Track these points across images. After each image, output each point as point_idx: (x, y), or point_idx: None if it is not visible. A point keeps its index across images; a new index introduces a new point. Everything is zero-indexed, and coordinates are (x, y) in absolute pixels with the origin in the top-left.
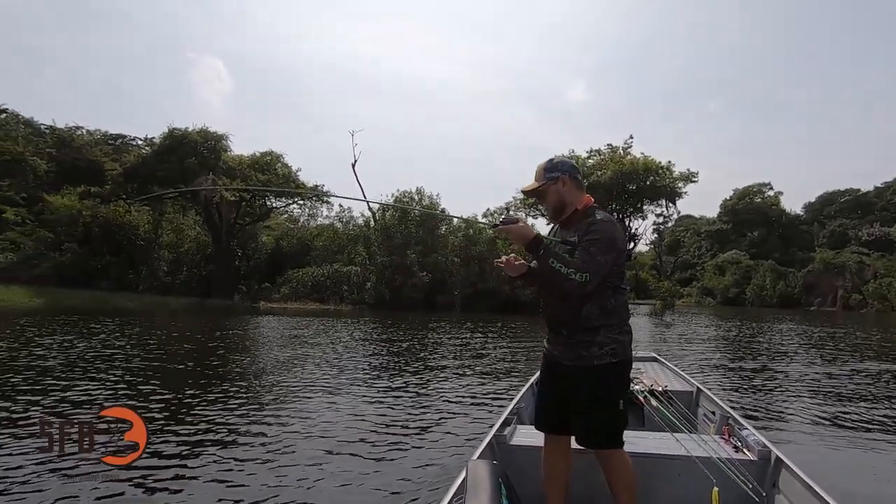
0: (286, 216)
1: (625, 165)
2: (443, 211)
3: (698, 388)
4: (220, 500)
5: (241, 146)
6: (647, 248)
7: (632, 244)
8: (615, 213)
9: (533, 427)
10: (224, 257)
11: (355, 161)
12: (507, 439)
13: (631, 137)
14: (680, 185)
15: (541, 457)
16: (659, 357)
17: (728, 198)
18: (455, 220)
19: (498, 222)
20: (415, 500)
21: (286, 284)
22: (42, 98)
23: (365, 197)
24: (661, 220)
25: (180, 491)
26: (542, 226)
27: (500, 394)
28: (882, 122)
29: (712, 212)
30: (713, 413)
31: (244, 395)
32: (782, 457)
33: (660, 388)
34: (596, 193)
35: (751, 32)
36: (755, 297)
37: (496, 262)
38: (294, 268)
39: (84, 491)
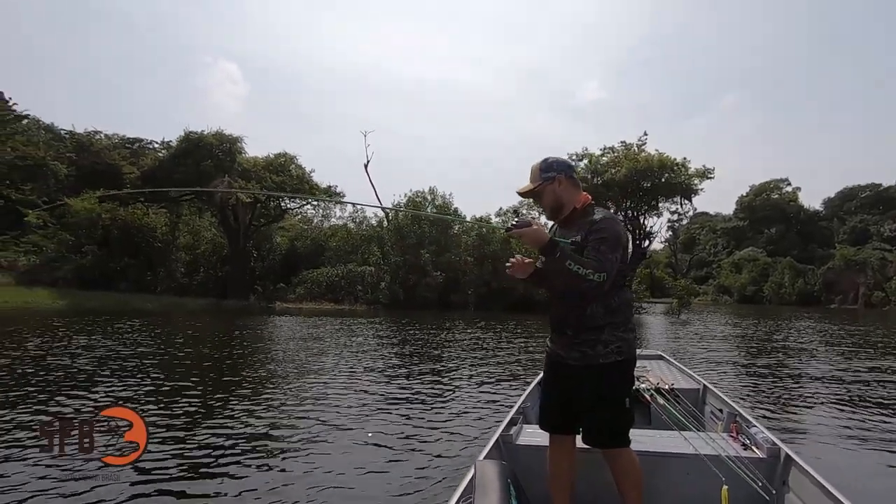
0: (299, 217)
1: (639, 163)
2: (455, 211)
3: (705, 385)
4: (230, 493)
5: (256, 148)
6: (662, 245)
7: (646, 242)
8: (630, 211)
9: (539, 427)
10: (240, 258)
11: (368, 162)
12: (514, 439)
13: (645, 134)
14: (696, 181)
15: (546, 456)
16: (665, 355)
17: (744, 194)
18: (468, 219)
19: (510, 225)
20: (422, 499)
21: (301, 285)
22: (61, 104)
23: (377, 197)
24: (675, 217)
25: (191, 487)
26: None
27: (511, 392)
28: None
29: (728, 209)
30: (720, 411)
31: (260, 394)
32: (792, 454)
33: (666, 387)
34: (610, 191)
35: (767, 26)
36: (773, 294)
37: (506, 268)
38: (308, 268)
39: (111, 492)
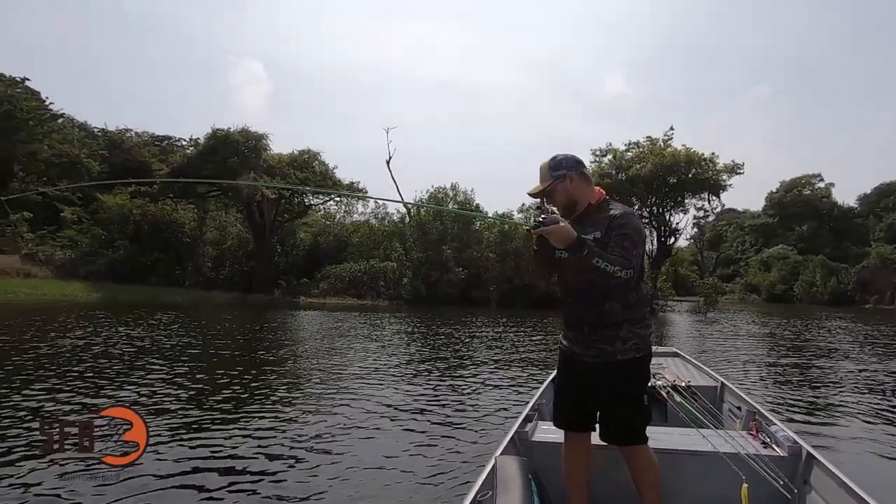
0: (322, 213)
1: (665, 158)
2: (477, 207)
3: (723, 383)
4: (256, 480)
5: (280, 145)
6: (688, 243)
7: (672, 239)
8: (655, 208)
9: (553, 424)
10: (265, 254)
11: (390, 158)
12: (529, 435)
13: (671, 129)
14: (724, 177)
15: (562, 453)
16: (681, 352)
17: (774, 190)
18: (490, 216)
19: (537, 222)
20: (439, 492)
21: (324, 280)
22: (95, 103)
23: (399, 193)
24: (701, 213)
25: (215, 470)
26: None
27: (528, 388)
28: None
29: (756, 205)
30: (739, 408)
31: (289, 386)
32: (814, 452)
33: (683, 384)
34: (635, 187)
35: (802, 14)
36: (804, 294)
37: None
38: (331, 264)
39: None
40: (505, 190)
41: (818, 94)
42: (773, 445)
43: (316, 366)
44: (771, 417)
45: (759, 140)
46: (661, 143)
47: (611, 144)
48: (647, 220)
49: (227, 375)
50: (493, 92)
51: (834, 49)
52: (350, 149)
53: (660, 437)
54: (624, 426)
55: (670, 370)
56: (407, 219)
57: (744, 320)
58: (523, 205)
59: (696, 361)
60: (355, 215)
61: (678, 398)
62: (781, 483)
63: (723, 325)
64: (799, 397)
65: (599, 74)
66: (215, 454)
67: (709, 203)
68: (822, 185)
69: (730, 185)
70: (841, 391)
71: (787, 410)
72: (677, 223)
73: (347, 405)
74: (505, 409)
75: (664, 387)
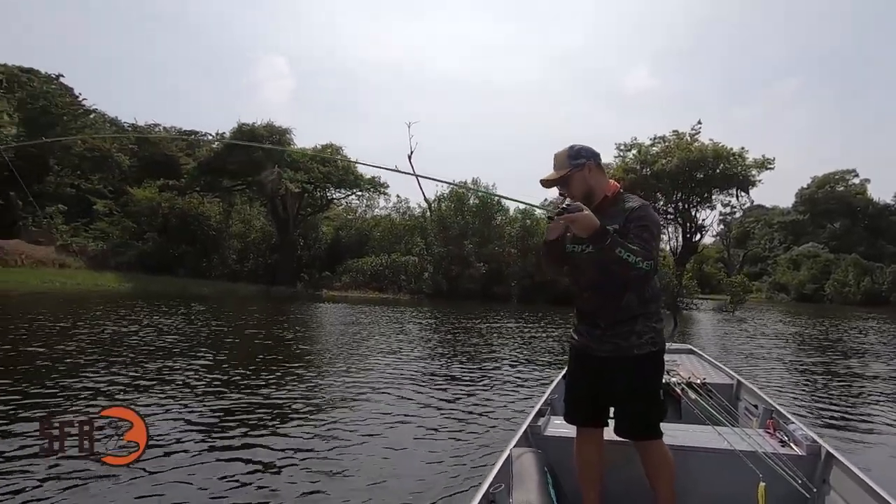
0: (343, 207)
1: (692, 153)
2: (498, 202)
3: (739, 380)
4: (273, 463)
5: (303, 139)
6: (713, 240)
7: (697, 236)
8: (680, 204)
9: (564, 420)
10: (288, 247)
11: (412, 153)
12: (542, 430)
13: (699, 123)
14: (753, 172)
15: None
16: (695, 349)
17: (805, 186)
18: (511, 210)
19: (562, 208)
20: (451, 483)
21: (346, 273)
22: (125, 99)
23: (421, 188)
24: (727, 210)
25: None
26: None
27: (545, 383)
28: None
29: (784, 201)
30: (756, 406)
31: (310, 375)
32: (833, 452)
33: (698, 381)
34: (660, 182)
35: (839, 3)
36: (836, 293)
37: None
38: (353, 257)
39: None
40: (526, 186)
41: (853, 87)
42: (792, 444)
43: (338, 356)
44: (789, 416)
45: (790, 134)
46: (688, 138)
47: (636, 139)
48: (672, 217)
49: (260, 362)
50: (515, 87)
51: (869, 40)
52: (371, 143)
53: (674, 433)
54: (640, 421)
55: (685, 367)
56: (428, 213)
57: (772, 319)
58: (545, 200)
59: (710, 358)
60: (377, 209)
61: (693, 395)
62: (800, 482)
63: (751, 324)
64: (825, 397)
65: (623, 68)
66: (239, 442)
67: (737, 199)
68: (856, 181)
69: (759, 181)
70: (870, 393)
71: (814, 410)
72: (703, 219)
73: (364, 395)
74: (522, 402)
75: (678, 384)
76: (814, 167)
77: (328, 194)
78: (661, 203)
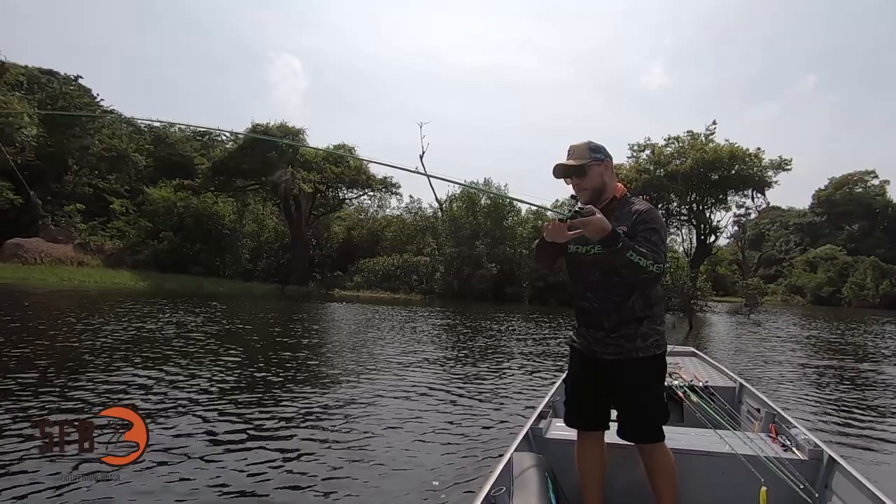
0: (355, 207)
1: (707, 153)
2: (510, 202)
3: (741, 384)
4: (275, 459)
5: (316, 139)
6: (727, 241)
7: (712, 237)
8: (695, 205)
9: (565, 423)
10: (300, 246)
11: (423, 152)
12: (543, 432)
13: (714, 123)
14: (770, 173)
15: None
16: (698, 351)
17: (822, 187)
18: (523, 211)
19: (574, 211)
20: (451, 484)
21: (358, 273)
22: (141, 99)
23: (432, 188)
24: (742, 211)
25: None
26: None
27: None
28: None
29: (800, 203)
30: (758, 410)
31: (319, 374)
32: (835, 457)
33: (700, 384)
34: (674, 183)
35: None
36: (853, 296)
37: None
38: (365, 257)
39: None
40: (538, 186)
41: (871, 85)
42: (794, 448)
43: (350, 354)
44: (791, 420)
45: (806, 134)
46: (703, 138)
47: (649, 139)
48: (685, 218)
49: (277, 358)
50: (528, 87)
51: (889, 38)
52: (383, 143)
53: (676, 437)
54: (642, 424)
55: (687, 370)
56: (440, 213)
57: (787, 322)
58: (556, 201)
59: (713, 361)
60: (388, 210)
61: (695, 398)
62: (801, 487)
63: (766, 328)
64: (835, 402)
65: (638, 65)
66: (254, 436)
67: (752, 200)
68: (876, 182)
69: (776, 182)
70: (882, 399)
71: (822, 415)
72: (718, 221)
73: (369, 395)
74: (528, 404)
75: (681, 386)
76: (831, 168)
77: (340, 194)
78: (675, 204)
